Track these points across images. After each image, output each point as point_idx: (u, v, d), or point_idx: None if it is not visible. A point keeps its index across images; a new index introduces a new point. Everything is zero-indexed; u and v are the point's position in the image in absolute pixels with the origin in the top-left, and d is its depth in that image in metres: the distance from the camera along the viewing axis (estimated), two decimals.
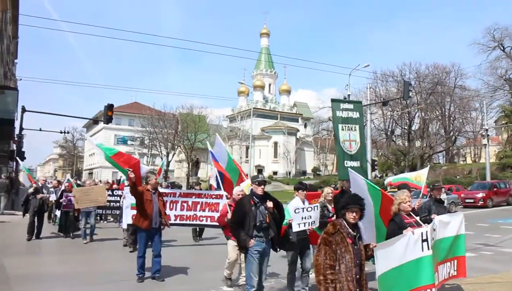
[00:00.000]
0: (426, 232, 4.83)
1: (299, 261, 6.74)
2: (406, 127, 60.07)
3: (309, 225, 6.20)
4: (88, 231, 12.57)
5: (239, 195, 6.95)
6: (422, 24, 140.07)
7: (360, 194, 5.53)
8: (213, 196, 10.57)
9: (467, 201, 27.80)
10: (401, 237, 4.67)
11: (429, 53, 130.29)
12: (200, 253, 11.59)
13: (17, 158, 21.59)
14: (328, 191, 7.40)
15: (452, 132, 61.41)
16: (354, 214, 4.18)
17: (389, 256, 4.50)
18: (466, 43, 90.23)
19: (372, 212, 5.65)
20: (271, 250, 5.86)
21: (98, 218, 16.88)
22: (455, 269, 6.34)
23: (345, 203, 4.25)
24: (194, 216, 10.62)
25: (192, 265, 9.22)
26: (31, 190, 13.10)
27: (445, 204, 21.09)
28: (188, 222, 10.62)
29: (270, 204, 5.67)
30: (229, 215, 6.73)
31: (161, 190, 9.30)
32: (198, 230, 13.11)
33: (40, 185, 13.55)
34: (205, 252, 11.79)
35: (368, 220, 5.60)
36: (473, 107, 59.35)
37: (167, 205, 9.85)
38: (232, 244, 6.96)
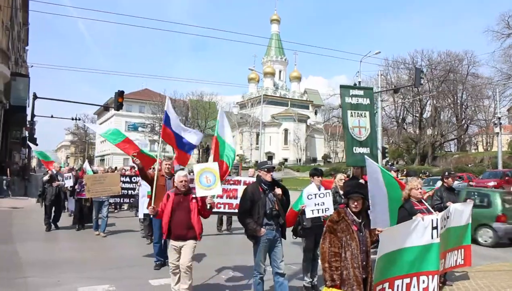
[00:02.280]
0: (437, 219, 4.84)
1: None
2: (417, 115, 59.60)
3: (322, 212, 6.10)
4: (100, 222, 11.78)
5: (181, 181, 5.76)
6: (435, 11, 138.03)
7: (375, 181, 5.54)
8: (231, 182, 10.20)
9: None
10: (409, 221, 4.68)
11: (442, 41, 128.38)
12: (217, 240, 11.45)
13: (29, 143, 21.76)
14: (340, 177, 7.36)
15: (464, 120, 60.77)
16: (356, 203, 4.18)
17: (393, 239, 4.53)
18: (480, 30, 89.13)
19: (386, 197, 5.64)
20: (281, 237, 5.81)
21: (113, 207, 16.31)
22: (462, 258, 6.37)
23: (346, 192, 4.25)
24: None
25: (206, 252, 9.23)
26: (46, 178, 12.50)
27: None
28: None
29: (278, 190, 5.59)
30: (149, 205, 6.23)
31: None
32: (224, 219, 12.62)
33: (55, 172, 12.83)
34: (222, 240, 11.73)
35: (380, 205, 5.61)
36: (485, 95, 58.53)
37: None
38: (172, 246, 5.79)
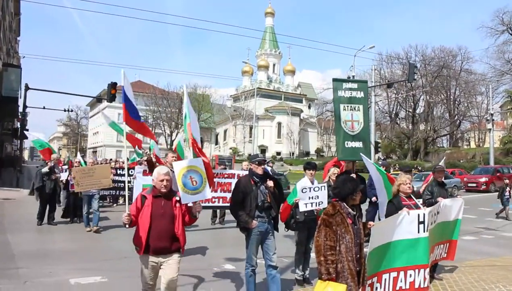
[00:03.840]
0: (424, 214, 4.88)
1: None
2: (410, 110, 59.87)
3: (316, 205, 6.10)
4: (91, 217, 11.05)
5: (162, 180, 4.40)
6: (429, 7, 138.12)
7: (374, 176, 5.63)
8: (225, 176, 10.25)
9: (469, 185, 27.88)
10: (395, 216, 4.74)
11: (436, 36, 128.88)
12: (210, 233, 11.42)
13: (26, 133, 21.58)
14: (334, 171, 7.39)
15: (456, 116, 61.16)
16: (360, 195, 4.25)
17: (382, 233, 4.58)
18: (474, 26, 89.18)
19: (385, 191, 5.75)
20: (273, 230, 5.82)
21: (109, 200, 16.15)
22: (446, 251, 6.46)
23: (355, 186, 4.20)
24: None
25: (198, 245, 9.22)
26: (45, 170, 11.73)
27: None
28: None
29: (270, 183, 5.58)
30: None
31: None
32: (218, 212, 12.49)
33: (53, 164, 12.02)
34: (215, 232, 11.70)
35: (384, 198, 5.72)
36: (478, 91, 59.08)
37: None
38: (150, 263, 4.41)
